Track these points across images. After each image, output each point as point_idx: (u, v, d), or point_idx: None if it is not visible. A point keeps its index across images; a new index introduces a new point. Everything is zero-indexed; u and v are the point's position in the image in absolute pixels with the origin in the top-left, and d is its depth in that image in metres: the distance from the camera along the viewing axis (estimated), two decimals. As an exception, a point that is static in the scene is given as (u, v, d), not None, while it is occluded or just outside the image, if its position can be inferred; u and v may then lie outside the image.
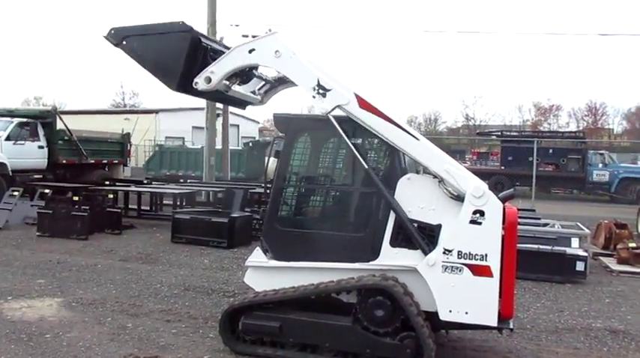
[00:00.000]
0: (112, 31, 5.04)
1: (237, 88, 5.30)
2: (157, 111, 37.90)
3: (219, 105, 18.18)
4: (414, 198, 4.55)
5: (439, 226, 4.47)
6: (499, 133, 29.25)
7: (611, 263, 9.54)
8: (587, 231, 9.40)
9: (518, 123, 60.39)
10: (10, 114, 16.08)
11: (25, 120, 15.41)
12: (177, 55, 4.90)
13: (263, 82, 5.72)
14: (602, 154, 25.04)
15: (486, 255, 4.28)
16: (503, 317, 4.35)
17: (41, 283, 7.06)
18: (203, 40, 5.10)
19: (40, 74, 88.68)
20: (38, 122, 15.55)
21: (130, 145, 19.93)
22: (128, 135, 19.39)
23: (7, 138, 14.48)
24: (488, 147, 36.45)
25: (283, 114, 5.23)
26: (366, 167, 4.64)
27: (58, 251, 9.21)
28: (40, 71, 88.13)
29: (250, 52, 4.83)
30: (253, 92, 5.71)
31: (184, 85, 4.96)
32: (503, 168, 25.71)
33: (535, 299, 7.22)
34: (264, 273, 4.90)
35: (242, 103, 5.95)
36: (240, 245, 9.86)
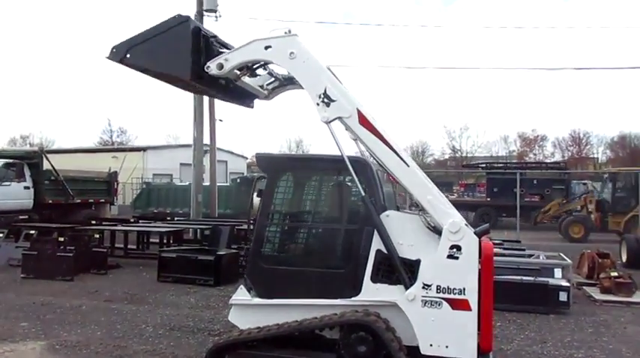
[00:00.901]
0: (114, 50, 5.06)
1: (246, 80, 5.35)
2: (144, 149, 38.02)
3: (206, 141, 18.39)
4: (392, 235, 4.66)
5: (418, 261, 4.57)
6: (484, 165, 29.68)
7: (595, 292, 9.66)
8: (569, 261, 9.55)
9: (505, 154, 61.21)
10: (-3, 155, 16.13)
11: (11, 161, 15.48)
12: (183, 46, 4.93)
13: (272, 79, 5.75)
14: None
15: (464, 289, 4.39)
16: (483, 350, 4.43)
17: (24, 326, 7.01)
18: (202, 28, 5.19)
19: (27, 112, 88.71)
20: (25, 163, 15.63)
21: (117, 184, 20.00)
22: (115, 173, 19.47)
23: (-6, 180, 14.51)
24: (475, 179, 36.84)
25: (265, 154, 5.38)
26: (364, 195, 4.68)
27: (43, 293, 9.15)
28: (26, 109, 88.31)
29: (266, 48, 4.89)
30: (261, 86, 5.74)
31: (197, 72, 4.98)
32: (489, 199, 26.00)
33: (519, 330, 7.29)
34: (248, 311, 4.95)
35: (247, 99, 5.96)
36: (227, 282, 9.86)
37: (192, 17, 5.93)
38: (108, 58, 5.06)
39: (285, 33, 4.87)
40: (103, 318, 7.46)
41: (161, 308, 8.20)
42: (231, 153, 42.24)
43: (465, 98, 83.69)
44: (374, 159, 4.79)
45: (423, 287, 4.45)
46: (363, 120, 4.72)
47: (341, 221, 5.12)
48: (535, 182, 25.46)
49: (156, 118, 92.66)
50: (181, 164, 35.94)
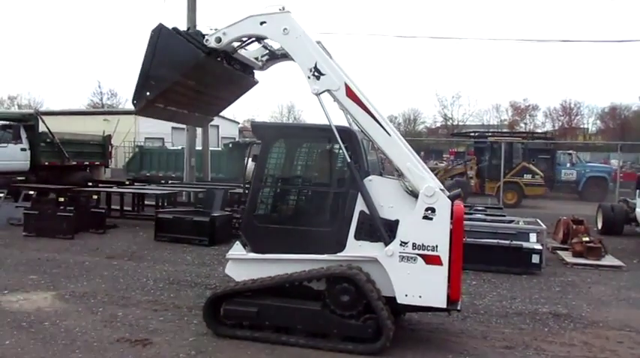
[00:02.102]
0: (135, 101, 5.62)
1: (242, 52, 5.79)
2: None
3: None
4: (375, 197, 5.16)
5: (397, 221, 5.09)
6: (472, 134, 30.11)
7: (567, 256, 10.30)
8: (543, 226, 10.15)
9: (496, 123, 61.62)
10: (-7, 117, 16.33)
11: (7, 122, 15.68)
12: (178, 42, 5.44)
13: (267, 51, 6.18)
14: (570, 154, 26.09)
15: (437, 246, 4.93)
16: (452, 300, 5.00)
17: (33, 279, 7.52)
18: (175, 28, 5.66)
19: (14, 73, 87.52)
20: (21, 125, 15.83)
21: (111, 147, 20.25)
22: (109, 136, 19.73)
23: (-10, 141, 14.76)
24: (466, 147, 37.28)
25: (260, 122, 5.83)
26: (349, 161, 5.14)
27: (46, 249, 9.63)
28: (13, 70, 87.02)
29: (261, 23, 5.32)
30: (256, 58, 6.18)
31: (202, 48, 5.45)
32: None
33: (492, 288, 7.91)
34: (244, 265, 5.47)
35: (249, 79, 6.46)
36: (221, 242, 10.39)
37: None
38: (137, 113, 5.69)
39: (280, 10, 5.25)
40: (105, 273, 7.98)
41: (159, 264, 8.74)
42: (223, 117, 42.18)
43: (458, 66, 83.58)
44: (359, 128, 5.24)
45: (401, 244, 4.98)
46: (350, 93, 5.16)
47: (328, 184, 5.62)
48: (521, 151, 25.97)
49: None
50: (173, 128, 36.01)
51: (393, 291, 5.01)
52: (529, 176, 22.15)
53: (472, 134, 32.23)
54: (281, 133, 5.92)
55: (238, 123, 48.89)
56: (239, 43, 5.66)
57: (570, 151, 26.73)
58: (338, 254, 5.22)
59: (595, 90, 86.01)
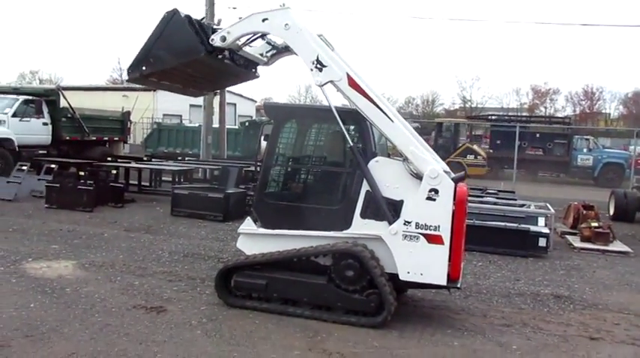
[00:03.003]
0: (129, 70, 5.86)
1: (247, 49, 6.00)
2: (155, 89, 38.34)
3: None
4: (381, 178, 5.35)
5: (401, 202, 5.28)
6: (488, 117, 29.96)
7: (575, 241, 10.41)
8: (552, 210, 10.24)
9: (516, 106, 60.89)
10: (16, 91, 16.75)
11: (30, 97, 16.06)
12: (185, 32, 5.66)
13: (271, 47, 6.36)
14: (587, 139, 25.87)
15: (439, 226, 5.11)
16: (452, 278, 5.20)
17: (55, 248, 7.89)
18: (190, 16, 5.87)
19: (35, 47, 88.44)
20: (43, 100, 16.21)
21: (130, 123, 20.61)
22: (128, 113, 20.08)
23: (14, 115, 15.18)
24: (484, 130, 37.12)
25: (273, 103, 6.06)
26: (351, 145, 5.35)
27: (67, 221, 10.01)
28: (35, 44, 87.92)
29: (263, 20, 5.53)
30: (261, 54, 6.37)
31: (207, 48, 5.66)
32: (491, 151, 26.47)
33: (497, 270, 8.08)
34: (254, 239, 5.72)
35: (251, 71, 6.65)
36: (235, 218, 10.67)
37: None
38: (128, 80, 5.90)
39: (280, 6, 5.47)
40: (123, 244, 8.32)
41: (175, 238, 9.06)
42: (241, 96, 42.48)
43: (478, 49, 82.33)
44: (363, 115, 5.41)
45: (404, 224, 5.18)
46: (352, 83, 5.34)
47: (337, 165, 5.82)
48: (538, 136, 25.85)
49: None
50: (191, 105, 36.33)
51: (396, 268, 5.22)
52: (472, 156, 22.80)
53: (490, 117, 32.07)
54: (292, 114, 6.14)
55: (255, 101, 49.07)
56: (244, 40, 5.82)
57: (588, 137, 26.48)
58: (344, 231, 5.44)
59: (618, 76, 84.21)
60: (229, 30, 5.64)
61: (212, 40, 5.66)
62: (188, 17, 5.77)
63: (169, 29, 5.72)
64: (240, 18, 5.69)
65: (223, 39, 5.64)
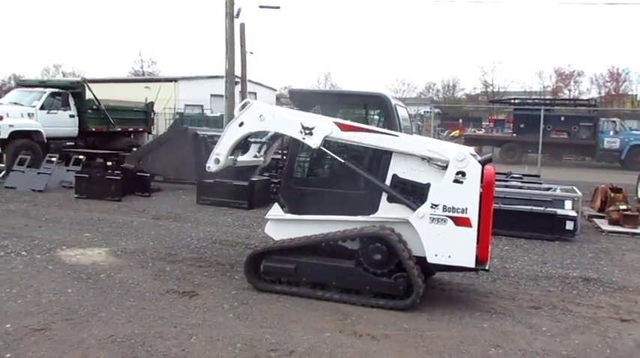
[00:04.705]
0: (129, 156, 6.25)
1: (242, 158, 6.14)
2: (176, 80, 38.67)
3: (237, 73, 18.98)
4: (407, 162, 5.36)
5: (428, 185, 5.29)
6: (511, 101, 29.54)
7: (603, 224, 10.27)
8: (579, 193, 10.11)
9: (539, 90, 59.78)
10: (42, 84, 17.07)
11: (56, 90, 16.34)
12: (185, 152, 5.93)
13: (260, 144, 6.56)
14: (613, 122, 25.35)
15: (466, 209, 5.11)
16: (480, 260, 5.21)
17: (88, 236, 8.09)
18: (199, 132, 6.15)
19: (57, 41, 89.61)
20: (69, 92, 16.49)
21: (154, 113, 20.85)
22: (152, 103, 20.31)
23: (42, 108, 15.45)
24: (507, 115, 36.64)
25: (298, 89, 6.09)
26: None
27: (97, 210, 10.24)
28: (57, 38, 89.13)
29: (240, 125, 5.72)
30: (256, 156, 6.56)
31: (201, 172, 5.90)
32: (515, 135, 26.16)
33: (524, 253, 8.05)
34: (282, 225, 5.81)
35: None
36: (260, 206, 10.81)
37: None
38: (126, 163, 6.07)
39: (245, 105, 5.67)
40: (152, 232, 8.49)
41: (202, 225, 9.21)
42: (261, 84, 42.63)
43: (499, 32, 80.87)
44: (368, 148, 5.50)
45: (432, 207, 5.19)
46: (344, 127, 5.42)
47: (362, 150, 5.83)
48: (562, 119, 25.44)
49: (185, 49, 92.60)
50: (212, 95, 36.62)
51: (424, 251, 5.25)
52: None
53: (513, 101, 31.63)
54: (317, 99, 6.16)
55: (275, 90, 49.12)
56: (234, 156, 5.94)
57: (614, 119, 25.94)
58: (371, 215, 5.48)
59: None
60: (217, 151, 5.80)
61: (209, 168, 5.82)
62: (194, 133, 6.01)
63: (175, 143, 5.98)
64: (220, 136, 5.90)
65: (217, 161, 5.79)
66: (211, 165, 5.80)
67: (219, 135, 5.89)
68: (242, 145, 5.99)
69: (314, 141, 5.44)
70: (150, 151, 6.02)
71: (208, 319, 4.93)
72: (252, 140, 6.11)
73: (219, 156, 5.77)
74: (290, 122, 5.57)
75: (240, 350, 4.30)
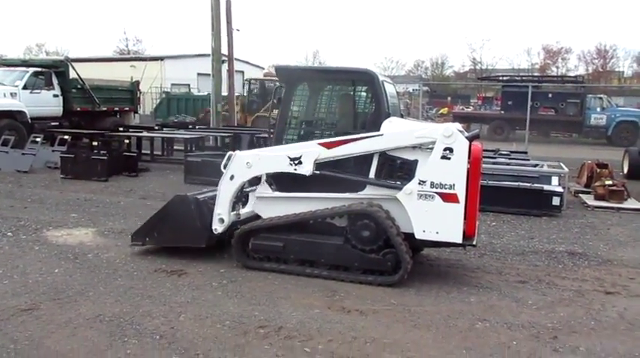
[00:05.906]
0: (134, 236, 6.15)
1: (244, 210, 6.02)
2: (162, 58, 38.14)
3: (224, 51, 18.74)
4: (395, 138, 5.34)
5: (415, 161, 5.29)
6: (499, 78, 29.54)
7: (589, 199, 10.38)
8: (566, 169, 10.20)
9: (527, 67, 59.80)
10: (25, 64, 16.74)
11: (39, 69, 16.05)
12: (191, 220, 5.88)
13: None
14: (600, 98, 25.47)
15: (454, 185, 5.12)
16: (467, 235, 5.24)
17: (74, 216, 8.03)
18: (199, 196, 6.14)
19: (40, 20, 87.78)
20: (52, 71, 16.19)
21: (140, 93, 20.59)
22: (137, 82, 20.04)
23: (24, 87, 15.19)
24: (495, 92, 36.64)
25: (284, 66, 5.99)
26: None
27: (83, 190, 10.15)
28: (40, 17, 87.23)
29: (231, 178, 5.72)
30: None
31: (209, 236, 5.84)
32: (503, 112, 26.21)
33: (511, 229, 8.12)
34: (270, 203, 5.79)
35: None
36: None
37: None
38: (132, 244, 6.16)
39: (229, 158, 5.74)
40: (140, 212, 8.43)
41: (190, 205, 9.14)
42: (248, 63, 42.13)
43: (487, 9, 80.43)
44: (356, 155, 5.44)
45: (419, 183, 5.19)
46: (329, 145, 5.41)
47: (349, 127, 5.81)
48: (550, 96, 25.50)
49: (171, 27, 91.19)
50: (198, 74, 36.17)
51: (412, 228, 5.26)
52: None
53: (501, 78, 31.60)
54: (304, 76, 6.09)
55: (263, 68, 48.60)
56: (236, 211, 5.88)
57: (601, 95, 26.06)
58: (359, 192, 5.48)
59: (632, 33, 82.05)
60: (218, 211, 5.75)
61: (215, 230, 5.77)
62: (195, 200, 5.98)
63: (178, 213, 5.94)
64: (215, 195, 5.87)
65: (222, 221, 5.74)
66: (217, 227, 5.77)
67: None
68: (241, 197, 5.96)
69: (307, 169, 5.41)
70: (154, 226, 6.03)
71: (197, 297, 4.93)
72: (248, 190, 6.06)
73: (221, 216, 5.75)
74: (277, 159, 5.56)
75: (229, 328, 4.32)
